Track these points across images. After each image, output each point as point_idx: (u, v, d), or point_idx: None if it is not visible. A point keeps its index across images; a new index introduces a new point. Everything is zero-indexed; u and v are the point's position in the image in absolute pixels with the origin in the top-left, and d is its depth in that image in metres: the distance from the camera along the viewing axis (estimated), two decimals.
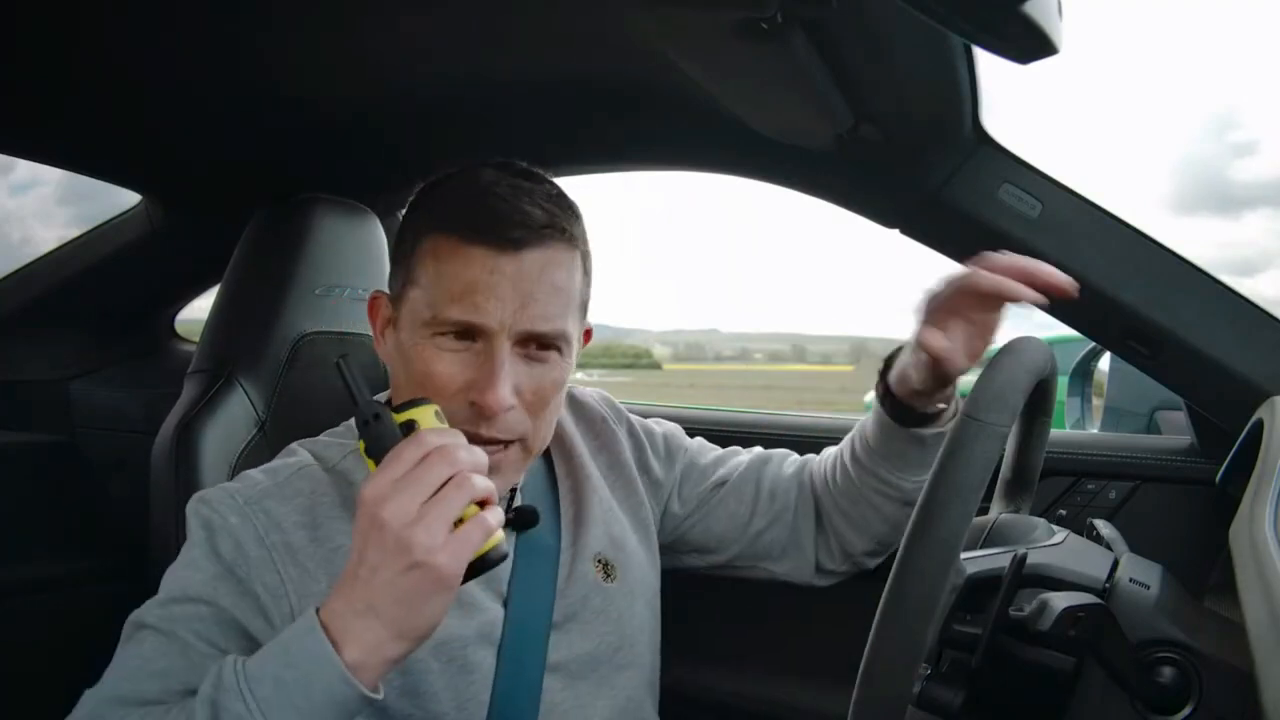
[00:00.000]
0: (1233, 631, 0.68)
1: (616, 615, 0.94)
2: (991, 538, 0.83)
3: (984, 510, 0.93)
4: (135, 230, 1.55)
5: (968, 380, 0.79)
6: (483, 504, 0.69)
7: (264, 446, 1.18)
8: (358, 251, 1.30)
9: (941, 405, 0.94)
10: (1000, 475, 0.96)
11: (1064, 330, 1.21)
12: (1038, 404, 0.91)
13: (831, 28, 0.82)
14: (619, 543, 0.97)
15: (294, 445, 0.92)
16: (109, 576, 1.65)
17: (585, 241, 0.88)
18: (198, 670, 0.73)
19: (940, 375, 0.89)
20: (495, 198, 0.81)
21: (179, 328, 1.85)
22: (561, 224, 0.83)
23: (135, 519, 1.22)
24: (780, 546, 1.06)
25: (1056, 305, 0.87)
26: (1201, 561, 1.02)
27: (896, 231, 1.24)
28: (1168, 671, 0.70)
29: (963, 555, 0.74)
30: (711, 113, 1.06)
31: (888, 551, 1.04)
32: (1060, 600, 0.69)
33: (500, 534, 0.70)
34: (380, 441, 0.70)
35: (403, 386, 0.84)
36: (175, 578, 0.80)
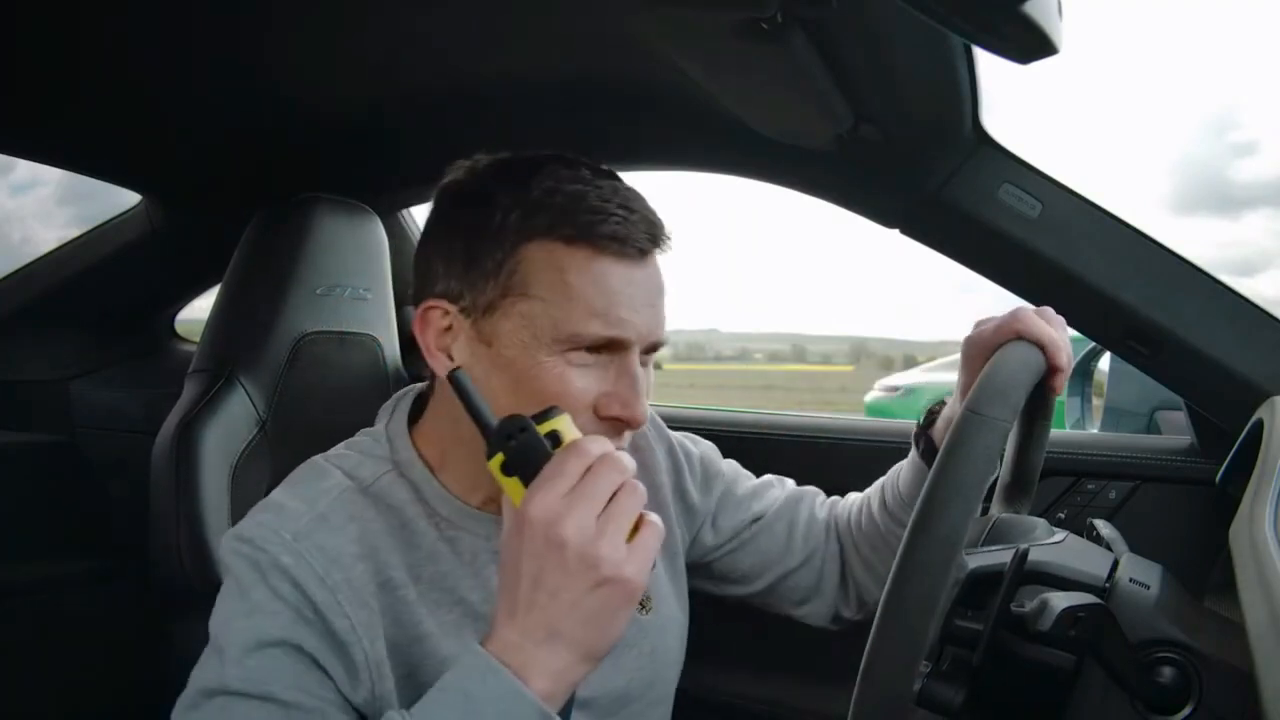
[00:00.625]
0: (1233, 631, 0.68)
1: (650, 649, 0.89)
2: (991, 537, 0.83)
3: (984, 511, 0.93)
4: (135, 230, 1.56)
5: None
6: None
7: (264, 446, 1.18)
8: (358, 251, 1.30)
9: None
10: (1000, 477, 0.96)
11: None
12: (1038, 405, 0.91)
13: (831, 28, 0.82)
14: (653, 573, 0.93)
15: (321, 463, 0.82)
16: (109, 576, 1.66)
17: None
18: None
19: None
20: (611, 201, 0.76)
21: (179, 328, 1.85)
22: (665, 226, 0.79)
23: (135, 519, 1.22)
24: (804, 590, 1.03)
25: (1056, 305, 0.87)
26: (1201, 561, 1.01)
27: (896, 231, 1.24)
28: (1168, 671, 0.70)
29: (964, 552, 0.74)
30: (711, 113, 1.06)
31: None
32: (1060, 600, 0.69)
33: None
34: (530, 455, 0.65)
35: (514, 406, 0.71)
36: (241, 629, 0.70)
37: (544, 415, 0.67)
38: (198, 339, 1.30)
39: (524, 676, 0.61)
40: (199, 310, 1.75)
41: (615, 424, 0.76)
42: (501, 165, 0.80)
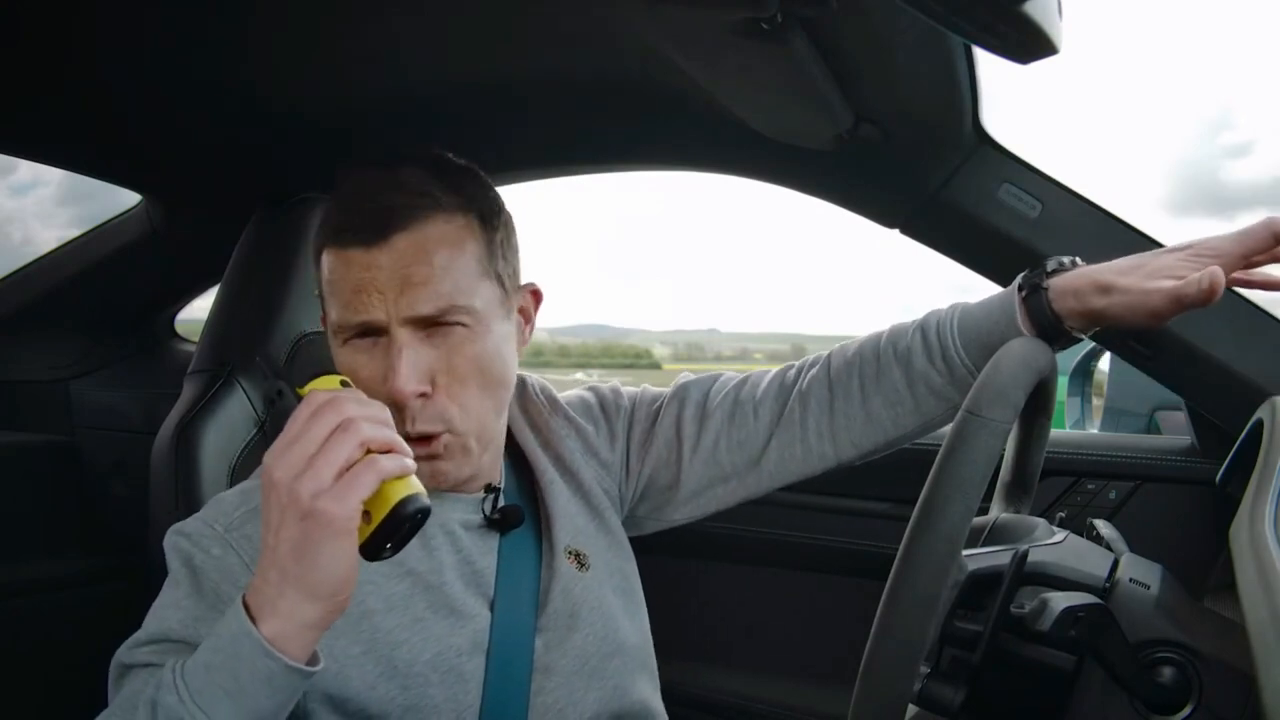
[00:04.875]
0: (1233, 631, 0.68)
1: (596, 604, 0.93)
2: (991, 537, 0.83)
3: (984, 511, 0.93)
4: (135, 230, 1.55)
5: None
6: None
7: (264, 446, 1.17)
8: None
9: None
10: (1000, 476, 0.96)
11: None
12: (1038, 404, 0.91)
13: (831, 28, 0.82)
14: (583, 532, 0.97)
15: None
16: (109, 576, 1.66)
17: (479, 200, 0.86)
18: None
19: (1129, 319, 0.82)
20: (359, 197, 0.83)
21: (179, 328, 1.85)
22: (428, 202, 0.82)
23: (135, 519, 1.22)
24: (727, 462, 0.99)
25: None
26: (1201, 561, 1.02)
27: (896, 231, 1.24)
28: (1168, 671, 0.70)
29: (963, 553, 0.74)
30: (711, 113, 1.06)
31: (860, 458, 0.98)
32: (1060, 600, 0.69)
33: (413, 485, 0.68)
34: (285, 416, 0.70)
35: None
36: (157, 616, 0.78)
37: (312, 379, 0.73)
38: (198, 339, 1.30)
39: (258, 618, 0.66)
40: (199, 310, 1.75)
41: (394, 404, 0.80)
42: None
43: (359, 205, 0.83)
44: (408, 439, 0.78)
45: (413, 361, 0.80)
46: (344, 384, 0.73)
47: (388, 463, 0.67)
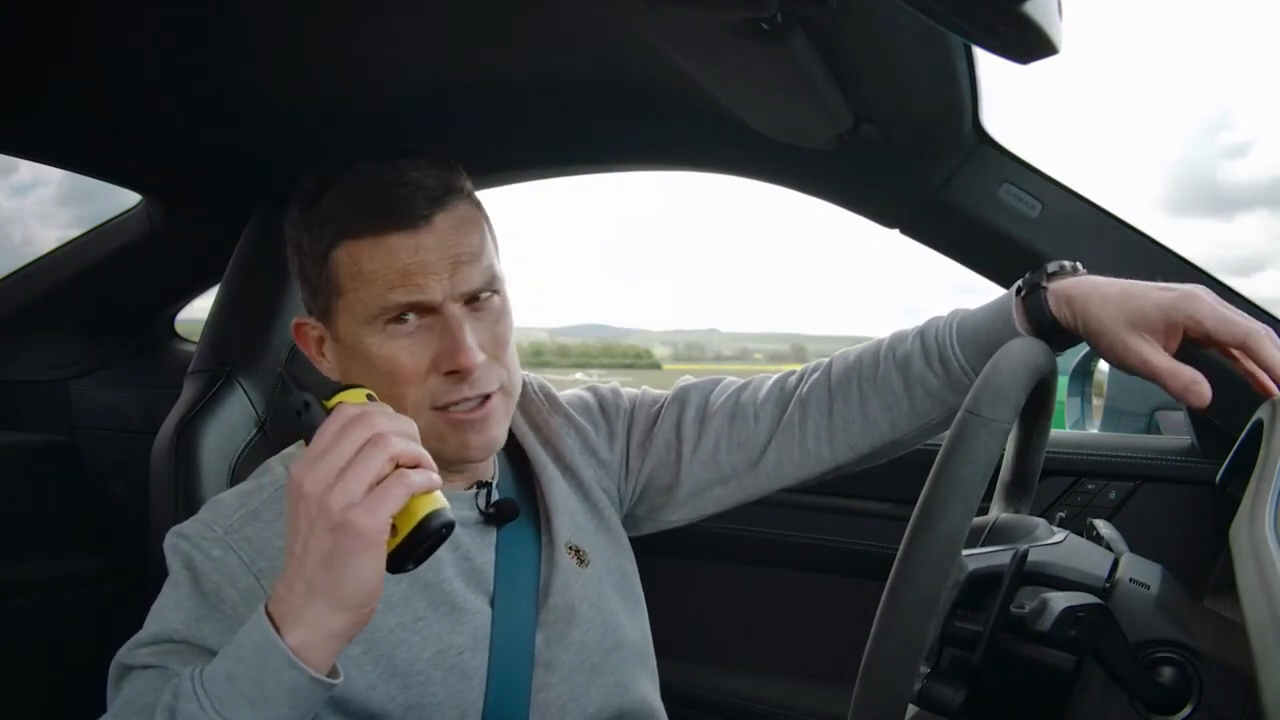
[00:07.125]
0: (1233, 631, 0.68)
1: (596, 599, 0.94)
2: (991, 537, 0.83)
3: (984, 511, 0.93)
4: (135, 230, 1.55)
5: None
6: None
7: (264, 446, 1.18)
8: None
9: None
10: (1000, 477, 0.96)
11: None
12: (1038, 404, 0.91)
13: (831, 28, 0.82)
14: (583, 529, 0.98)
15: (270, 462, 0.92)
16: (109, 576, 1.66)
17: (473, 190, 0.91)
18: None
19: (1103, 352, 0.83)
20: (385, 184, 0.83)
21: (179, 328, 1.85)
22: (455, 184, 0.86)
23: (135, 519, 1.22)
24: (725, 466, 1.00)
25: None
26: (1201, 561, 1.01)
27: (896, 231, 1.24)
28: (1168, 671, 0.70)
29: (964, 553, 0.74)
30: (711, 113, 1.06)
31: (857, 462, 0.98)
32: (1060, 600, 0.69)
33: (439, 500, 0.69)
34: (311, 428, 0.71)
35: (372, 389, 0.81)
36: (158, 618, 0.79)
37: (336, 392, 0.73)
38: (198, 339, 1.30)
39: (282, 628, 0.67)
40: (199, 310, 1.75)
41: (455, 376, 0.83)
42: (302, 184, 0.89)
43: (388, 191, 0.83)
44: (466, 401, 0.84)
45: (473, 333, 0.83)
46: (369, 398, 0.73)
47: (416, 477, 0.68)
